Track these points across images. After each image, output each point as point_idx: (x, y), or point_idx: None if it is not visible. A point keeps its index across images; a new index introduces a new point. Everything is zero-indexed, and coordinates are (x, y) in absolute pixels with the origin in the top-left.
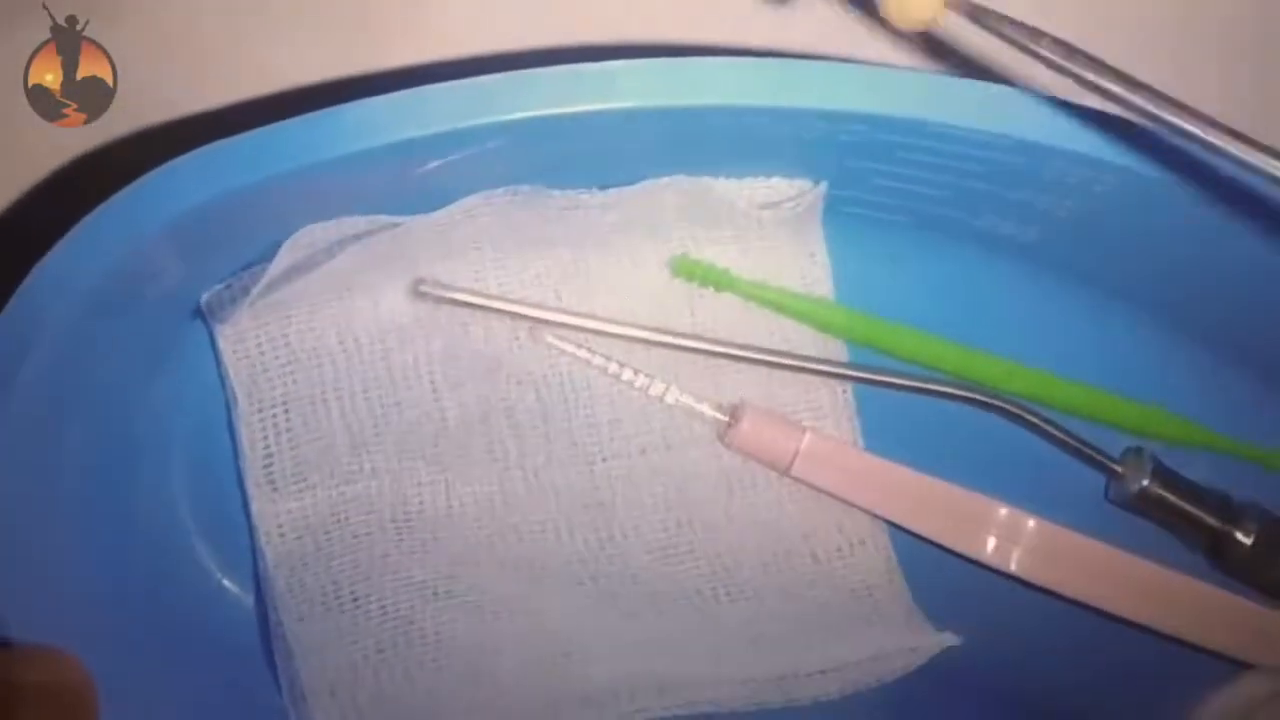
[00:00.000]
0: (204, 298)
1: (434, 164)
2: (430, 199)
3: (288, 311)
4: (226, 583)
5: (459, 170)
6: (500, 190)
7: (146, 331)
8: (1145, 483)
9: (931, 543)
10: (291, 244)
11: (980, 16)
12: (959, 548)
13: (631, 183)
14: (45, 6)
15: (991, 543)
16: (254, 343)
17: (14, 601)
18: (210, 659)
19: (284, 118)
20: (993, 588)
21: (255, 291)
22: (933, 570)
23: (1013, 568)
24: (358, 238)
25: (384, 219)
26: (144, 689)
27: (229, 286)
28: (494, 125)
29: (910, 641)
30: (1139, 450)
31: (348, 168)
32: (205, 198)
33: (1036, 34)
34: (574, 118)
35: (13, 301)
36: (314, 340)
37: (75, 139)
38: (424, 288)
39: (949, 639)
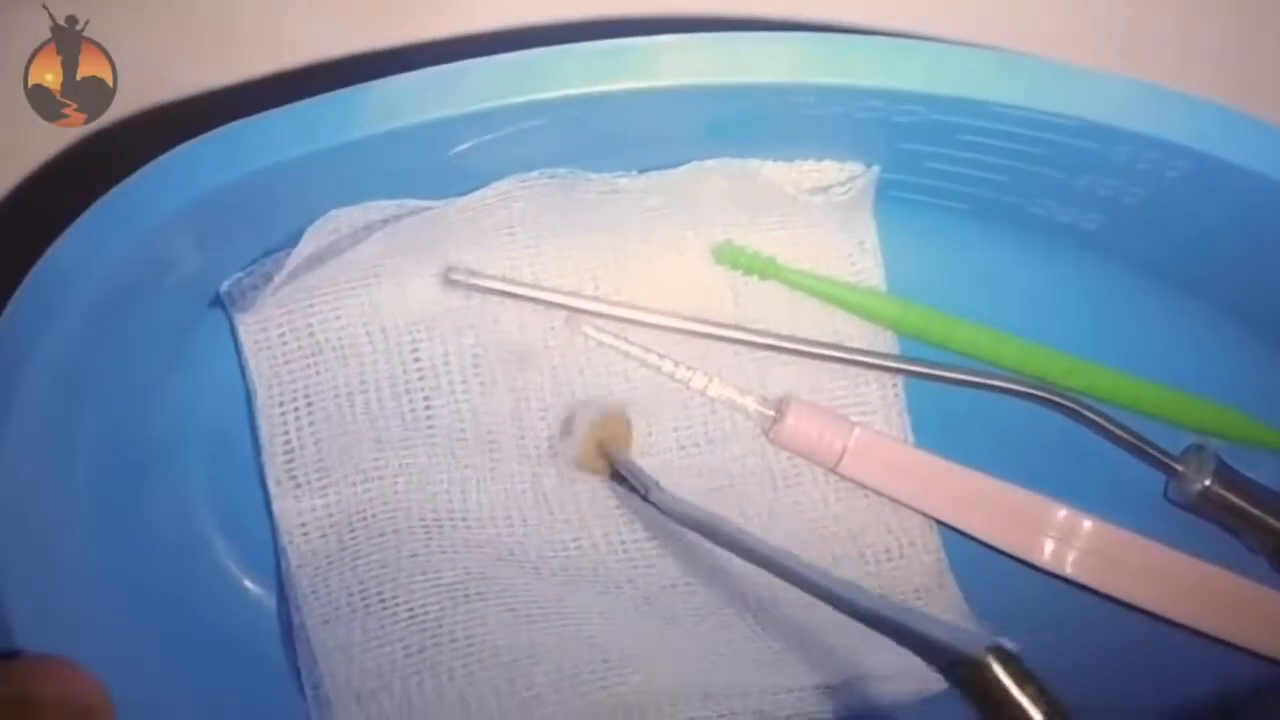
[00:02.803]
0: (224, 286)
1: (466, 145)
2: (462, 182)
3: (311, 300)
4: (248, 583)
5: (492, 152)
6: (535, 173)
7: (163, 322)
8: (1208, 482)
9: (984, 544)
10: (316, 229)
11: None
12: (1013, 549)
13: (674, 166)
14: (45, 6)
15: (1047, 545)
16: (276, 332)
17: (28, 606)
18: (230, 662)
19: (307, 96)
20: (1048, 591)
21: (278, 279)
22: (986, 573)
23: (1069, 571)
24: (385, 223)
25: (413, 203)
26: (162, 693)
27: (250, 274)
28: (529, 104)
29: None
30: (1201, 449)
31: (375, 149)
32: (224, 180)
33: None
34: (614, 97)
35: (20, 292)
36: (339, 330)
37: (75, 139)
38: (455, 275)
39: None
